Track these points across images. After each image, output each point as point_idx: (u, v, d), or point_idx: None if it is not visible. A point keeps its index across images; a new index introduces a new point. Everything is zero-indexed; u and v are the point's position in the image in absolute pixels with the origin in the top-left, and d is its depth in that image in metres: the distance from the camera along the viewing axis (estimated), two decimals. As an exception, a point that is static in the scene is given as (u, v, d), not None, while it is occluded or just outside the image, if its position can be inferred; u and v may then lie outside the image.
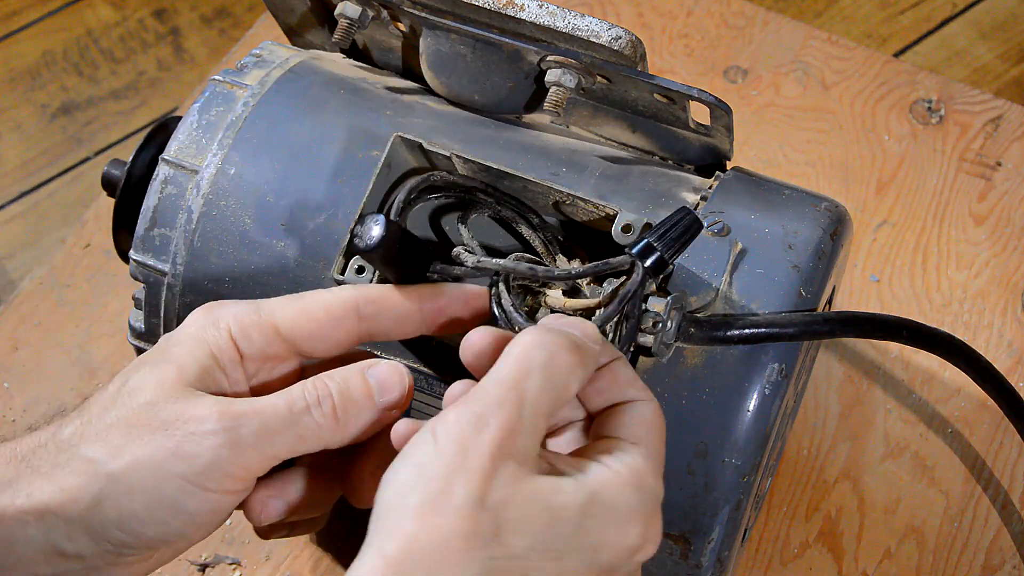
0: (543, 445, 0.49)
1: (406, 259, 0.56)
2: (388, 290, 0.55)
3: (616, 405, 0.50)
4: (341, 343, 0.54)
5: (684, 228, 0.54)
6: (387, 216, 0.54)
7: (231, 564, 0.79)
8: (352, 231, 0.53)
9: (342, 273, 0.59)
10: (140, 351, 0.70)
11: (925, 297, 0.90)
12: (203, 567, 0.79)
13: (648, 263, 0.54)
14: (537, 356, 0.46)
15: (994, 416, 0.82)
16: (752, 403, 0.57)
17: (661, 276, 0.55)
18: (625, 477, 0.46)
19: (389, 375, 0.53)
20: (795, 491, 0.81)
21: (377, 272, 0.59)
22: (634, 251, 0.54)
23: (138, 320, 0.68)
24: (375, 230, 0.54)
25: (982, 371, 0.69)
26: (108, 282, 0.93)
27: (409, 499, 0.42)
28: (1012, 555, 0.78)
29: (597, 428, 0.50)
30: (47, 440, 0.51)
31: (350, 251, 0.60)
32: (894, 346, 0.86)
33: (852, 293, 0.90)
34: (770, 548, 0.79)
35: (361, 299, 0.54)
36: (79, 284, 0.93)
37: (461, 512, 0.42)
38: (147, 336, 0.69)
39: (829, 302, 0.67)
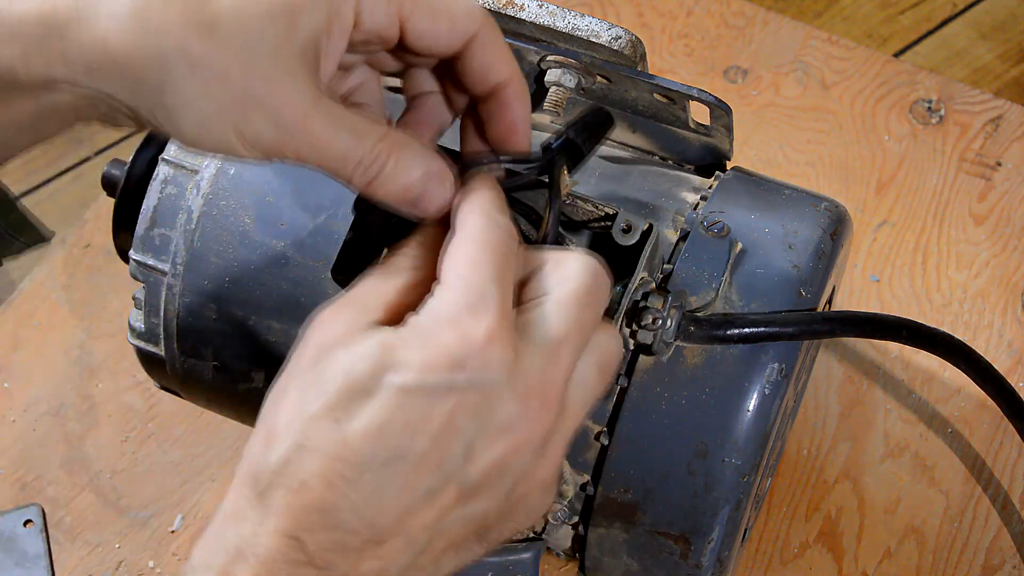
0: None
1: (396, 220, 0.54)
2: (500, 40, 0.52)
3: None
4: (437, 57, 0.52)
5: (598, 120, 0.56)
6: None
7: (231, 564, 0.79)
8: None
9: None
10: (140, 351, 0.70)
11: (925, 297, 0.90)
12: (203, 567, 0.79)
13: (560, 144, 0.54)
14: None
15: (994, 416, 0.82)
16: (752, 403, 0.57)
17: (573, 162, 0.55)
18: (422, 311, 0.45)
19: (438, 198, 0.51)
20: (795, 491, 0.81)
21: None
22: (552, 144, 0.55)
23: (138, 320, 0.68)
24: None
25: (982, 371, 0.69)
26: (108, 282, 0.93)
27: (274, 385, 0.47)
28: (1012, 555, 0.78)
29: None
30: None
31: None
32: (894, 346, 0.86)
33: (852, 293, 0.90)
34: (770, 548, 0.79)
35: (482, 34, 0.51)
36: (79, 284, 0.93)
37: (287, 389, 0.45)
38: (147, 336, 0.69)
39: (829, 302, 0.67)
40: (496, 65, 0.52)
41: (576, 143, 0.56)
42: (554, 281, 0.46)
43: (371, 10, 0.49)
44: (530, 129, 0.54)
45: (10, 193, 0.53)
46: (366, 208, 0.54)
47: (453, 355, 0.43)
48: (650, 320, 0.55)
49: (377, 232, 0.59)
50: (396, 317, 0.46)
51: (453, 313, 0.44)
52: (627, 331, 0.57)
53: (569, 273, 0.46)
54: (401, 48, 0.51)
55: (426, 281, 0.47)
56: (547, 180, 0.55)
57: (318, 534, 0.42)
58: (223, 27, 0.45)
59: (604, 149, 0.67)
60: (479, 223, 0.47)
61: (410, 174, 0.50)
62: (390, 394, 0.43)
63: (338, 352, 0.44)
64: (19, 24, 0.45)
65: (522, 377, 0.44)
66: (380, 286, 0.47)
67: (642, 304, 0.55)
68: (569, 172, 0.56)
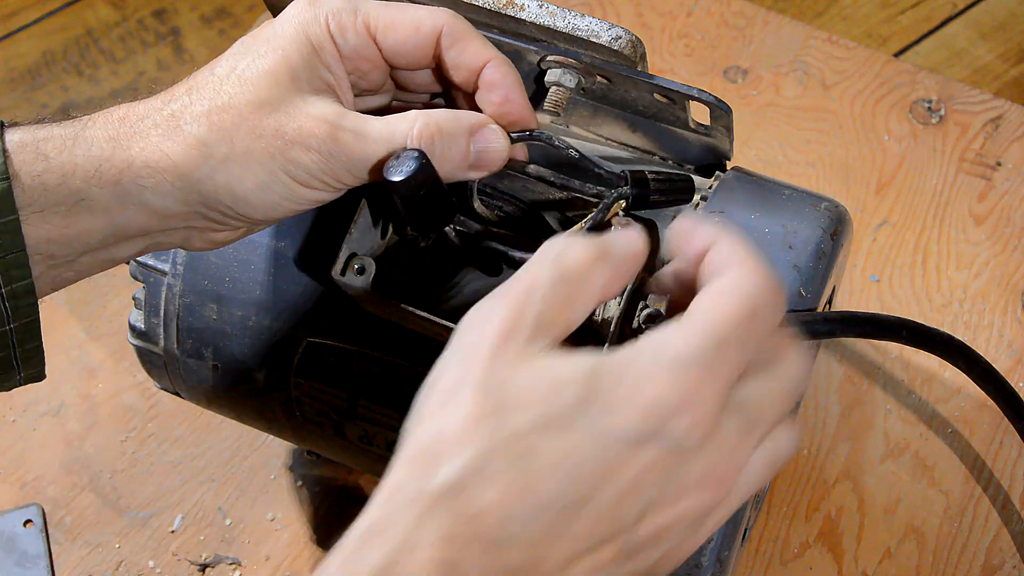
0: None
1: (429, 204, 0.54)
2: (467, 28, 0.55)
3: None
4: (421, 62, 0.55)
5: (680, 186, 0.58)
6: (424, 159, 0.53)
7: (231, 564, 0.79)
8: (387, 162, 0.52)
9: (342, 274, 0.59)
10: (140, 351, 0.70)
11: (925, 297, 0.90)
12: (203, 567, 0.79)
13: (634, 188, 0.56)
14: (549, 250, 0.45)
15: (994, 416, 0.82)
16: (752, 403, 0.57)
17: (636, 206, 0.57)
18: (643, 344, 0.42)
19: (493, 139, 0.54)
20: (795, 491, 0.81)
21: (375, 272, 0.59)
22: (630, 174, 0.56)
23: (138, 320, 0.68)
24: (409, 164, 0.52)
25: (982, 371, 0.69)
26: (108, 282, 0.93)
27: (428, 402, 0.43)
28: (1012, 555, 0.78)
29: None
30: (152, 112, 0.52)
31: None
32: (894, 346, 0.86)
33: (852, 293, 0.90)
34: (770, 548, 0.79)
35: (447, 28, 0.54)
36: (79, 284, 0.93)
37: (461, 400, 0.42)
38: (147, 336, 0.69)
39: (829, 302, 0.67)
40: (469, 50, 0.54)
41: (647, 187, 0.57)
42: (770, 356, 0.44)
43: (342, 35, 0.53)
44: (526, 99, 0.55)
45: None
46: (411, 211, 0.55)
47: (667, 406, 0.41)
48: (650, 320, 0.55)
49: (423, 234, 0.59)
50: (565, 333, 0.44)
51: (681, 361, 0.41)
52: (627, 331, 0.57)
53: (787, 358, 0.44)
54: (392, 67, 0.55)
55: (597, 304, 0.45)
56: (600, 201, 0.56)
57: (480, 566, 0.40)
58: (237, 114, 0.51)
59: (604, 149, 0.67)
60: (758, 279, 0.43)
61: (459, 142, 0.53)
62: (590, 434, 0.40)
63: (529, 372, 0.42)
64: (93, 142, 0.51)
65: (714, 448, 0.42)
66: (564, 294, 0.44)
67: (642, 304, 0.55)
68: (625, 212, 0.56)
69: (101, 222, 0.52)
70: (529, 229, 0.61)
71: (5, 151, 0.50)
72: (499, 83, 0.54)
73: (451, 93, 0.58)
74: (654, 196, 0.57)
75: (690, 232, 0.46)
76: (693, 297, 0.44)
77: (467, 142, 0.53)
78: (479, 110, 0.56)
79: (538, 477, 0.40)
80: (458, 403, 0.42)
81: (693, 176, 0.66)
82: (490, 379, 0.42)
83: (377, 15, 0.54)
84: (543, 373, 0.42)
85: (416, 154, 0.52)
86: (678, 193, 0.58)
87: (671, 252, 0.47)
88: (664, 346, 0.42)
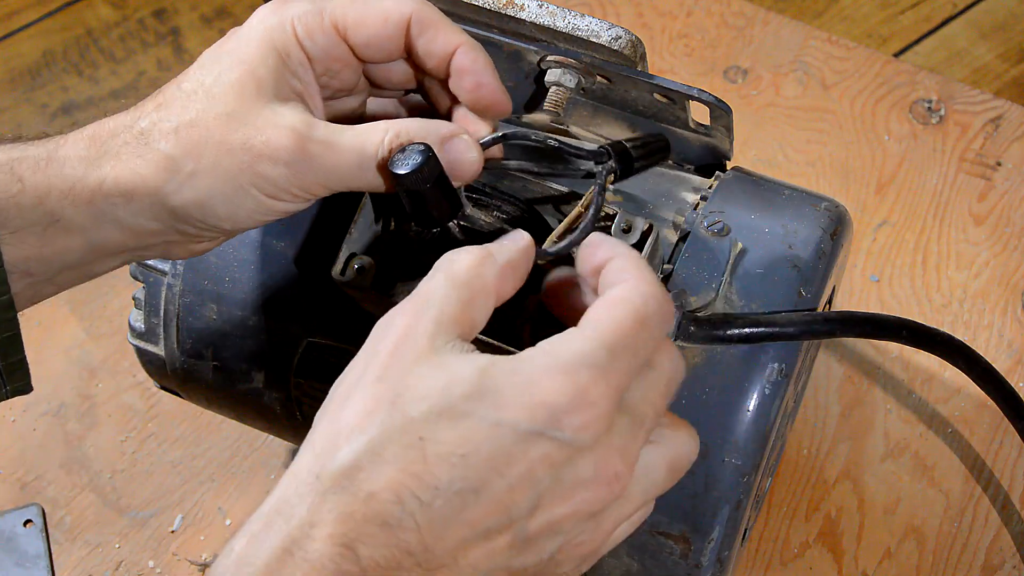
0: None
1: (434, 199, 0.54)
2: (436, 14, 0.55)
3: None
4: (393, 53, 0.55)
5: (657, 147, 0.60)
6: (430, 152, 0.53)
7: (231, 564, 0.79)
8: (393, 154, 0.52)
9: (342, 273, 0.59)
10: (140, 351, 0.70)
11: (925, 297, 0.90)
12: (203, 567, 0.79)
13: (619, 162, 0.57)
14: (441, 262, 0.47)
15: (994, 416, 0.82)
16: (752, 403, 0.57)
17: (623, 175, 0.58)
18: (539, 347, 0.44)
19: (464, 148, 0.54)
20: (795, 491, 0.81)
21: (377, 269, 0.59)
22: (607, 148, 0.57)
23: (138, 320, 0.68)
24: (415, 157, 0.52)
25: (982, 371, 0.69)
26: (108, 282, 0.93)
27: (333, 397, 0.45)
28: (1012, 555, 0.78)
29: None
30: (122, 130, 0.52)
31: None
32: (894, 346, 0.86)
33: (852, 293, 0.90)
34: (770, 548, 0.79)
35: (416, 15, 0.54)
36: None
37: (361, 393, 0.43)
38: (147, 336, 0.69)
39: (829, 302, 0.67)
40: (439, 38, 0.54)
41: (630, 155, 0.57)
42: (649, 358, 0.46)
43: (311, 41, 0.53)
44: (498, 83, 0.55)
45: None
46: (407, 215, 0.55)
47: (557, 405, 0.42)
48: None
49: (416, 241, 0.59)
50: (468, 333, 0.45)
51: (574, 363, 0.43)
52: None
53: (663, 357, 0.46)
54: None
55: (495, 304, 0.47)
56: (594, 178, 0.57)
57: (374, 548, 0.41)
58: (204, 129, 0.51)
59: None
60: (643, 292, 0.45)
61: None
62: (482, 425, 0.42)
63: (426, 367, 0.43)
64: (65, 161, 0.51)
65: (606, 446, 0.43)
66: (458, 299, 0.46)
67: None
68: (614, 182, 0.57)
69: (78, 241, 0.52)
70: (528, 227, 0.61)
71: None
72: (469, 68, 0.54)
73: (425, 84, 0.58)
74: (638, 163, 0.58)
75: (594, 246, 0.48)
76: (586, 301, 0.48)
77: (440, 149, 0.53)
78: (454, 98, 0.56)
79: (431, 463, 0.42)
80: (359, 395, 0.44)
81: (693, 176, 0.66)
82: (389, 373, 0.44)
83: (344, 13, 0.53)
84: (440, 369, 0.43)
85: (422, 147, 0.52)
86: (658, 153, 0.60)
87: (578, 265, 0.49)
88: (557, 349, 0.44)
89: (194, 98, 0.52)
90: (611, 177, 0.57)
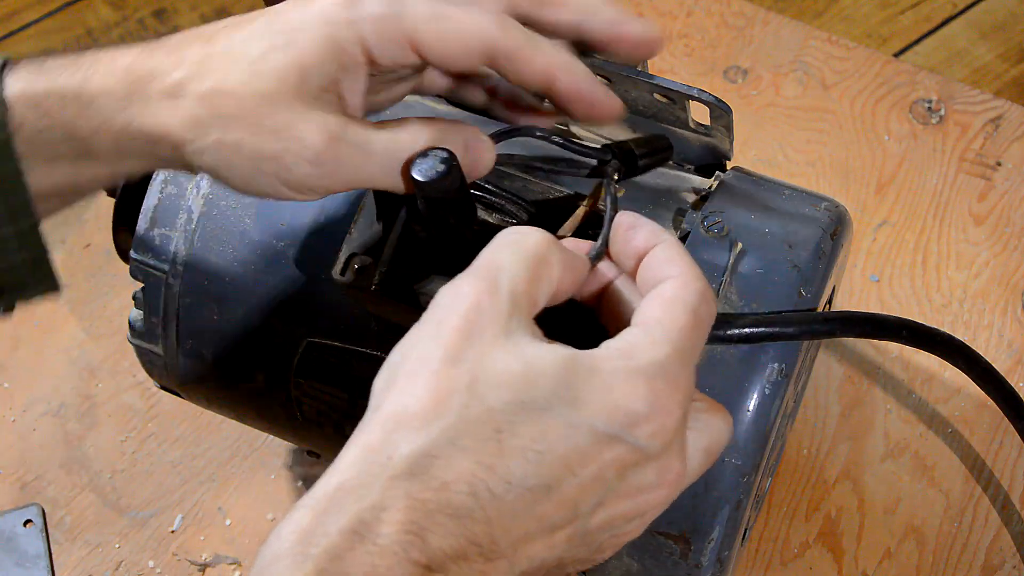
0: None
1: (455, 207, 0.54)
2: (520, 40, 0.51)
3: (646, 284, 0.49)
4: (466, 73, 0.54)
5: (660, 145, 0.60)
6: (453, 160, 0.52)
7: (231, 564, 0.79)
8: (412, 160, 0.51)
9: (342, 273, 0.59)
10: (140, 350, 0.70)
11: (925, 297, 0.90)
12: (203, 567, 0.79)
13: (624, 161, 0.57)
14: (506, 235, 0.46)
15: (994, 416, 0.82)
16: (752, 403, 0.57)
17: (628, 175, 0.58)
18: (613, 347, 0.44)
19: (483, 148, 0.53)
20: (795, 491, 0.81)
21: (376, 272, 0.59)
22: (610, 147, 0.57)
23: (138, 319, 0.68)
24: (440, 167, 0.51)
25: (982, 371, 0.69)
26: (108, 282, 0.93)
27: (402, 369, 0.44)
28: (1012, 555, 0.78)
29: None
30: (157, 75, 0.51)
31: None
32: (894, 346, 0.86)
33: (852, 293, 0.90)
34: (770, 548, 0.79)
35: (500, 45, 0.50)
36: (79, 284, 0.93)
37: (436, 373, 0.43)
38: (147, 336, 0.69)
39: (829, 302, 0.67)
40: (526, 69, 0.51)
41: (634, 155, 0.58)
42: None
43: (380, 48, 0.50)
44: (608, 95, 0.53)
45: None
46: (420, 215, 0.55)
47: (636, 412, 0.42)
48: None
49: (427, 239, 0.59)
50: (534, 314, 0.45)
51: (652, 372, 0.43)
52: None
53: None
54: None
55: (552, 298, 0.46)
56: (602, 179, 0.57)
57: (443, 537, 0.41)
58: (238, 102, 0.50)
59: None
60: (698, 290, 0.46)
61: (456, 152, 0.51)
62: (560, 423, 0.42)
63: (504, 353, 0.43)
64: (95, 98, 0.51)
65: (673, 453, 0.44)
66: (528, 272, 0.45)
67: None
68: (618, 181, 0.57)
69: (106, 171, 0.53)
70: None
71: (5, 102, 0.50)
72: (576, 96, 0.52)
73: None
74: (642, 161, 0.58)
75: (633, 228, 0.48)
76: (619, 286, 0.49)
77: (464, 153, 0.52)
78: (492, 93, 0.56)
79: (508, 456, 0.41)
80: (431, 376, 0.43)
81: (693, 176, 0.66)
82: (465, 353, 0.43)
83: (423, 28, 0.50)
84: (519, 357, 0.43)
85: (445, 155, 0.51)
86: (661, 152, 0.60)
87: (612, 243, 0.49)
88: (634, 352, 0.44)
89: (235, 66, 0.50)
90: (616, 176, 0.57)
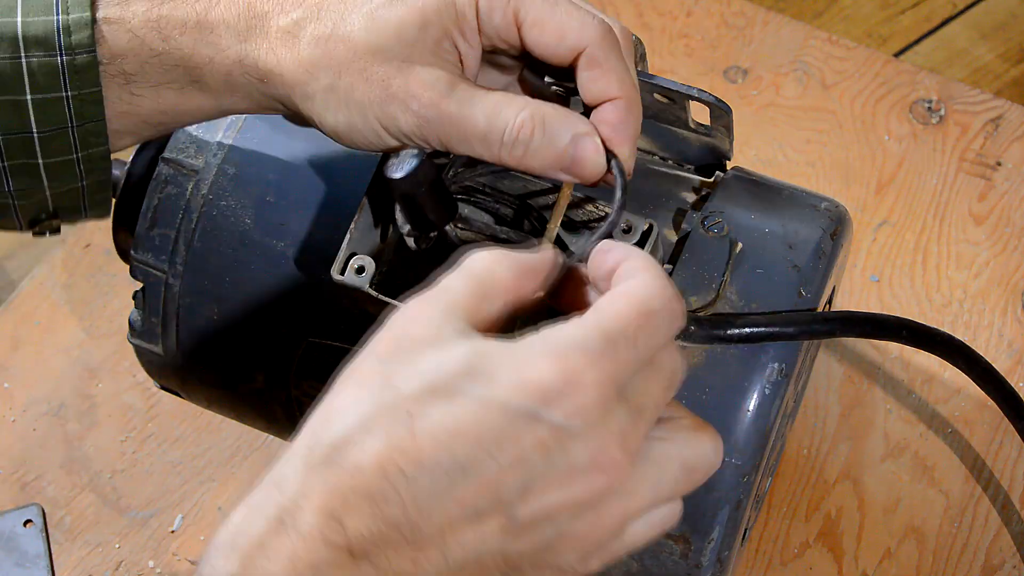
0: None
1: (429, 203, 0.54)
2: (610, 57, 0.53)
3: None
4: (556, 64, 0.54)
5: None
6: (428, 157, 0.53)
7: (231, 564, 0.79)
8: (387, 160, 0.53)
9: (342, 273, 0.59)
10: (140, 350, 0.70)
11: (925, 297, 0.90)
12: (203, 567, 0.79)
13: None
14: (460, 258, 0.47)
15: (994, 416, 0.82)
16: (752, 403, 0.57)
17: None
18: (532, 335, 0.44)
19: (592, 150, 0.53)
20: (795, 491, 0.81)
21: (375, 272, 0.59)
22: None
23: (138, 319, 0.68)
24: (410, 161, 0.53)
25: (982, 371, 0.69)
26: (108, 282, 0.93)
27: (336, 380, 0.45)
28: (1012, 555, 0.78)
29: None
30: (278, 12, 0.53)
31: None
32: (894, 346, 0.86)
33: (852, 293, 0.90)
34: (770, 548, 0.79)
35: (589, 51, 0.53)
36: (79, 284, 0.93)
37: (362, 371, 0.44)
38: (147, 335, 0.69)
39: (829, 302, 0.67)
40: (601, 81, 0.53)
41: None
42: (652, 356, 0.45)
43: (488, 12, 0.52)
44: (632, 146, 0.54)
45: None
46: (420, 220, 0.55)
47: (548, 386, 0.42)
48: None
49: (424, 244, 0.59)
50: (482, 328, 0.45)
51: (568, 347, 0.43)
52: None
53: (664, 354, 0.45)
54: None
55: (511, 305, 0.46)
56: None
57: (360, 520, 0.41)
58: (353, 49, 0.52)
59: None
60: (650, 286, 0.45)
61: (557, 142, 0.52)
62: (471, 403, 0.42)
63: (425, 348, 0.43)
64: (215, 27, 0.53)
65: (601, 434, 0.43)
66: (472, 290, 0.46)
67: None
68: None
69: (211, 103, 0.54)
70: (524, 226, 0.61)
71: (95, 21, 0.52)
72: (611, 125, 0.54)
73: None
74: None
75: (605, 252, 0.48)
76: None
77: (566, 144, 0.53)
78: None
79: (418, 438, 0.42)
80: (358, 375, 0.44)
81: (693, 176, 0.66)
82: (390, 355, 0.44)
83: (530, 8, 0.52)
84: (438, 350, 0.43)
85: (416, 152, 0.53)
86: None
87: (591, 271, 0.49)
88: (554, 334, 0.43)
89: (354, 14, 0.52)
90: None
